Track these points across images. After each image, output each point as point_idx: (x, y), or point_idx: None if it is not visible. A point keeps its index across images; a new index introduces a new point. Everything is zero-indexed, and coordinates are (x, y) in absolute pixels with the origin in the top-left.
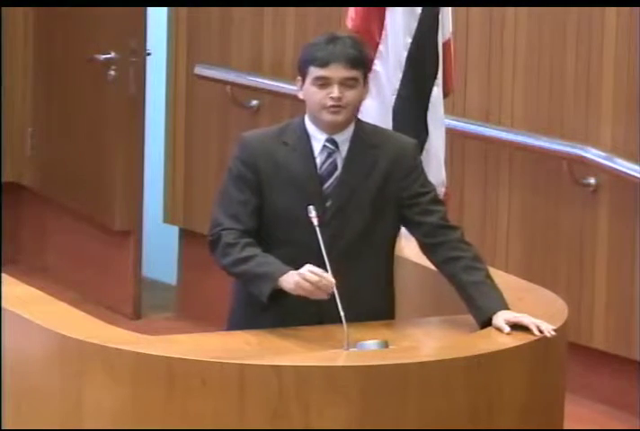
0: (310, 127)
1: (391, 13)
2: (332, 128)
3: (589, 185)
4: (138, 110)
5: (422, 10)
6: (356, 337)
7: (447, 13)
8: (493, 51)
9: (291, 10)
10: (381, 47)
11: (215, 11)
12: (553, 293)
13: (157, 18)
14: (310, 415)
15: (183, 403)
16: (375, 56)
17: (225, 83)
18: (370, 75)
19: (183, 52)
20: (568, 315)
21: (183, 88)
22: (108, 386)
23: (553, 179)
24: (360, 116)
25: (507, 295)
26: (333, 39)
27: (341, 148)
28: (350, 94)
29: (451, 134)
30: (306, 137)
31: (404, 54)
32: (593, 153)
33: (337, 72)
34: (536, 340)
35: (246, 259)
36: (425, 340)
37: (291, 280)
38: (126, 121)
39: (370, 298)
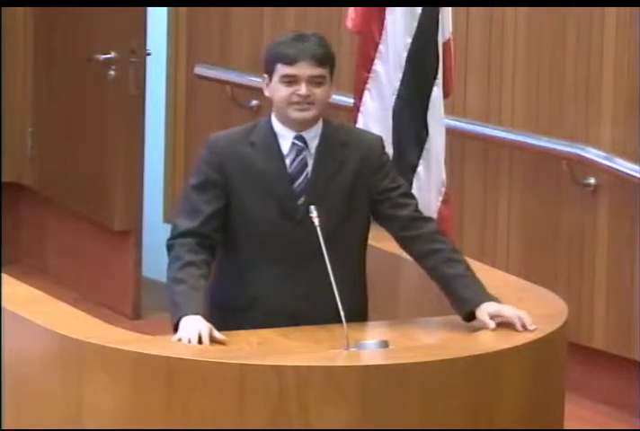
0: (277, 126)
1: (391, 13)
2: (300, 125)
3: (589, 185)
4: (138, 110)
5: (422, 10)
6: (356, 337)
7: (447, 13)
8: (493, 51)
9: (291, 10)
10: (381, 47)
11: (215, 11)
12: (553, 293)
13: (157, 18)
14: (310, 415)
15: (183, 403)
16: (375, 56)
17: (225, 83)
18: (370, 75)
19: (183, 52)
20: (568, 315)
21: (183, 88)
22: (108, 386)
23: (553, 179)
24: (360, 116)
25: (507, 295)
26: (300, 37)
27: (310, 145)
28: (318, 92)
29: (451, 134)
30: (273, 136)
31: (404, 54)
32: (593, 154)
33: (305, 70)
34: (536, 340)
35: (178, 282)
36: (425, 340)
37: (183, 331)
38: (126, 121)
39: (342, 299)
